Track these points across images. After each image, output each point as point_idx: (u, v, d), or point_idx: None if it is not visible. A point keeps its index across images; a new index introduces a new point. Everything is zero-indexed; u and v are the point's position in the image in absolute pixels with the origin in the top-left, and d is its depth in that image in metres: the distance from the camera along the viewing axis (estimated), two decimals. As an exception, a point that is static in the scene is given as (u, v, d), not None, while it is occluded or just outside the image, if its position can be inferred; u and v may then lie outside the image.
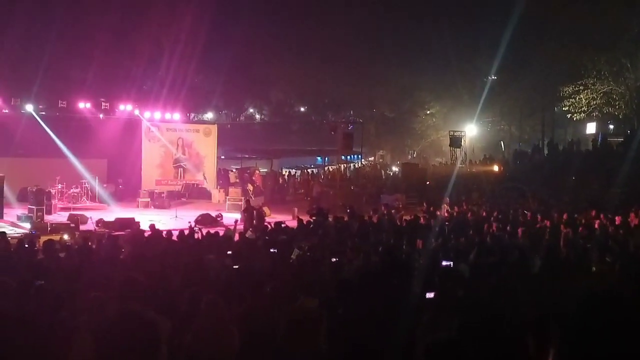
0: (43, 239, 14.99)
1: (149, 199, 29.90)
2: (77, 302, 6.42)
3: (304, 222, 18.41)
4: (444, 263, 9.40)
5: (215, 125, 37.01)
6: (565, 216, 17.95)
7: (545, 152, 40.22)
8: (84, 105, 30.93)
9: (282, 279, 8.13)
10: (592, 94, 34.80)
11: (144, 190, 31.07)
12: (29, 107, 29.66)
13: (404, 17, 47.33)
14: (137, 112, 32.85)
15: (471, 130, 40.25)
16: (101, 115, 32.06)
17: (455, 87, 45.76)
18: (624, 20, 31.19)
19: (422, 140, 52.02)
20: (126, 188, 32.20)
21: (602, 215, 17.53)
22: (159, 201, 29.78)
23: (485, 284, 7.52)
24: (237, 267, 9.88)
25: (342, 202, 28.29)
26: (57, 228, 20.78)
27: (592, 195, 23.89)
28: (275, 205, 29.78)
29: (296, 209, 26.72)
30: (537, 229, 16.16)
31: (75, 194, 28.47)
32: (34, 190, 25.07)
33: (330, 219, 19.92)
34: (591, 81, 34.50)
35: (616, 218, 16.99)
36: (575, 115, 36.71)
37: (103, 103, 31.70)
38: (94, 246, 13.91)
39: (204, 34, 40.93)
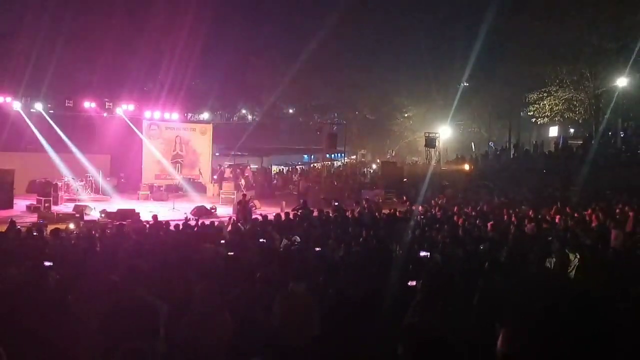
0: (50, 227, 14.89)
1: (148, 192, 29.84)
2: (83, 286, 6.39)
3: (291, 215, 18.41)
4: (422, 254, 9.42)
5: (211, 124, 36.91)
6: (529, 212, 18.07)
7: (512, 153, 40.46)
8: (89, 104, 30.85)
9: (271, 266, 8.13)
10: (555, 100, 35.02)
11: (144, 184, 30.96)
12: (38, 106, 29.55)
13: (386, 29, 47.55)
14: (138, 111, 32.80)
15: (445, 132, 40.35)
16: (105, 114, 31.96)
17: (431, 92, 45.90)
18: (585, 35, 31.41)
19: (400, 141, 52.09)
20: (128, 182, 32.17)
21: (563, 211, 17.68)
22: (157, 194, 29.73)
23: (459, 273, 7.54)
24: (231, 254, 9.88)
25: (326, 197, 28.30)
26: (63, 218, 20.68)
27: (554, 193, 24.04)
28: (265, 199, 29.73)
29: (284, 203, 26.72)
30: (504, 223, 16.25)
31: (80, 187, 28.32)
32: (41, 182, 24.94)
33: (314, 212, 19.94)
34: (554, 89, 34.71)
35: (575, 214, 17.13)
36: (539, 119, 36.94)
37: (107, 103, 31.65)
38: (97, 235, 13.85)
39: (201, 41, 40.85)
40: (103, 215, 21.68)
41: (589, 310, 1.45)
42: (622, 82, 30.96)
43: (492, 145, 46.64)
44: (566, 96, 34.65)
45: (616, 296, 5.66)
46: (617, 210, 16.93)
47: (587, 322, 1.43)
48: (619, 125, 33.87)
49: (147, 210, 22.06)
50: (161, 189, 30.59)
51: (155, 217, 17.20)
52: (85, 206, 23.58)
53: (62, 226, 16.38)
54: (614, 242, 11.83)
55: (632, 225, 13.65)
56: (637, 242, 10.76)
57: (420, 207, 21.90)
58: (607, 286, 6.32)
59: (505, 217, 17.58)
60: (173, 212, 24.07)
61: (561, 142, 38.03)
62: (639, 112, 35.11)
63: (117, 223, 16.16)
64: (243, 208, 21.42)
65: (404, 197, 26.74)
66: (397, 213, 19.86)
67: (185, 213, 22.29)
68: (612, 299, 5.07)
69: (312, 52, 41.70)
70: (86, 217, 21.30)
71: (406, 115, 50.56)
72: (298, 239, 12.60)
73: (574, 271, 8.86)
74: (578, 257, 9.31)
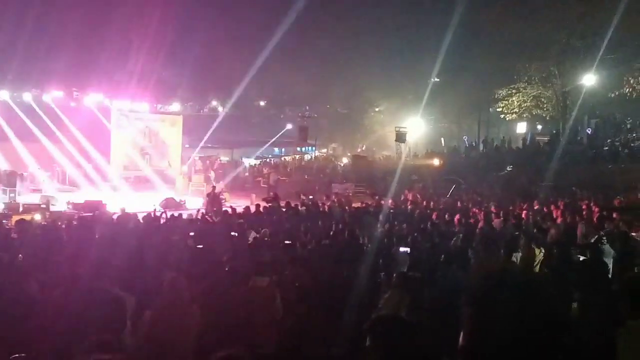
0: (15, 218, 14.64)
1: (116, 183, 29.52)
2: (48, 277, 6.30)
3: (261, 208, 18.37)
4: (401, 250, 9.49)
5: (181, 116, 36.64)
6: (497, 207, 18.27)
7: (481, 148, 40.89)
8: (56, 93, 30.35)
9: (240, 259, 8.11)
10: (523, 97, 35.52)
11: (112, 175, 30.62)
12: (4, 94, 28.99)
13: (357, 24, 47.58)
14: (107, 101, 32.39)
15: (415, 127, 40.60)
16: (72, 104, 31.48)
17: (401, 87, 46.18)
18: (553, 33, 31.85)
19: (370, 135, 52.33)
20: (95, 172, 31.71)
21: (530, 207, 17.92)
22: (126, 185, 29.43)
23: (429, 266, 7.62)
24: (200, 246, 9.83)
25: (297, 190, 28.29)
26: (29, 208, 20.34)
27: (521, 188, 24.35)
28: (235, 192, 29.61)
29: (254, 195, 26.64)
30: (472, 218, 16.41)
31: (47, 177, 27.90)
32: (7, 172, 24.50)
33: (284, 205, 19.91)
34: (522, 85, 35.20)
35: (542, 210, 17.38)
36: (507, 115, 37.43)
37: (74, 92, 31.19)
38: (63, 226, 13.65)
39: (171, 31, 40.40)
40: (70, 206, 21.39)
41: (548, 306, 1.47)
42: (588, 79, 31.47)
43: (466, 139, 47.03)
44: (534, 93, 35.18)
45: (575, 293, 5.78)
46: (584, 207, 17.21)
47: (544, 317, 1.46)
48: (586, 123, 34.43)
49: (114, 202, 21.82)
50: (129, 180, 30.27)
51: (123, 209, 17.00)
52: (52, 197, 23.22)
53: (27, 217, 16.12)
54: (579, 237, 12.03)
55: (598, 221, 13.88)
56: (602, 237, 10.95)
57: (390, 201, 22.01)
58: (568, 283, 6.44)
59: (473, 211, 17.74)
60: (141, 204, 23.83)
61: (529, 138, 38.55)
62: (605, 109, 35.76)
63: (84, 214, 15.96)
64: (212, 200, 21.32)
65: (374, 191, 26.86)
66: (367, 207, 19.94)
67: (154, 205, 22.09)
68: (570, 296, 5.18)
69: (284, 45, 41.57)
70: (52, 208, 20.98)
71: (377, 109, 50.81)
72: (267, 232, 12.58)
73: (538, 266, 9.00)
74: (543, 252, 9.47)
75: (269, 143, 47.49)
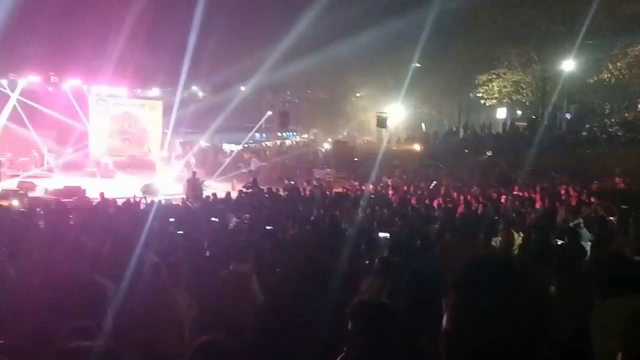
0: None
1: (95, 169, 29.26)
2: (26, 263, 6.25)
3: (242, 193, 18.34)
4: (381, 235, 9.52)
5: (160, 101, 36.32)
6: (477, 191, 18.41)
7: (461, 133, 41.07)
8: (33, 78, 29.94)
9: (221, 245, 8.10)
10: (503, 82, 35.70)
11: (91, 160, 30.35)
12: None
13: (338, 8, 47.31)
14: (85, 86, 32.04)
15: (396, 112, 40.65)
16: (50, 88, 31.08)
17: (382, 73, 46.10)
18: (533, 19, 32.00)
19: (351, 121, 52.29)
20: (74, 158, 31.40)
21: (509, 191, 18.07)
22: (105, 171, 29.18)
23: (409, 251, 7.65)
24: (181, 232, 9.81)
25: (278, 176, 28.25)
26: (6, 194, 20.09)
27: (501, 173, 24.52)
28: (217, 178, 29.51)
29: (235, 181, 26.57)
30: (452, 203, 16.53)
31: (25, 162, 27.57)
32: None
33: (265, 191, 19.89)
34: (503, 71, 35.35)
35: (521, 194, 17.54)
36: (487, 101, 37.62)
37: (52, 77, 30.79)
38: (42, 212, 13.52)
39: (150, 15, 39.92)
40: (48, 192, 21.18)
41: (531, 290, 1.49)
42: (568, 65, 31.70)
43: (447, 124, 47.15)
44: (514, 78, 35.37)
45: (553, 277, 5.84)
46: (562, 191, 17.40)
47: (528, 301, 1.47)
48: (565, 108, 34.72)
49: (94, 188, 21.64)
50: (109, 165, 30.01)
51: (102, 194, 16.85)
52: (30, 183, 22.96)
53: (5, 203, 15.94)
54: (558, 221, 12.17)
55: (575, 206, 14.05)
56: (580, 221, 11.09)
57: (370, 186, 22.07)
58: (547, 267, 6.50)
59: (453, 196, 17.87)
60: (121, 190, 23.65)
61: (509, 123, 38.79)
62: (584, 95, 36.06)
63: (63, 200, 15.81)
64: (193, 186, 21.25)
65: (355, 177, 26.92)
66: (348, 192, 19.99)
67: (134, 192, 21.95)
68: (548, 280, 5.24)
69: (264, 30, 41.41)
70: (30, 194, 20.74)
71: (358, 95, 50.77)
72: (248, 217, 12.57)
73: (517, 250, 9.10)
74: (522, 236, 9.57)
75: (250, 128, 47.29)
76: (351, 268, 6.56)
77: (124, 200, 15.93)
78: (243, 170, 33.58)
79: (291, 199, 17.82)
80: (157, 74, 43.08)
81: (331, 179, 28.36)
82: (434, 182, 22.52)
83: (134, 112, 33.92)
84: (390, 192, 20.61)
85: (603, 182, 19.13)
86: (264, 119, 39.53)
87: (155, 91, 37.09)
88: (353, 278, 6.00)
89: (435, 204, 16.05)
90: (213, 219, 12.38)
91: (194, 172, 23.61)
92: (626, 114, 30.53)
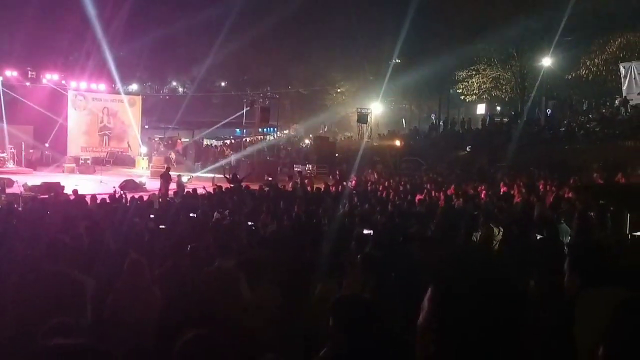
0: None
1: (74, 165, 29.00)
2: (4, 261, 6.17)
3: (222, 189, 18.26)
4: (365, 231, 9.52)
5: (140, 96, 36.07)
6: (457, 187, 18.49)
7: (441, 129, 41.26)
8: (10, 73, 29.57)
9: (202, 241, 8.05)
10: (483, 78, 35.93)
11: (70, 156, 30.07)
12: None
13: (317, 5, 47.29)
14: (63, 81, 31.72)
15: (376, 108, 40.73)
16: (28, 84, 30.72)
17: (363, 68, 46.14)
18: (512, 15, 32.19)
19: (332, 116, 52.31)
20: (52, 154, 31.10)
21: (488, 187, 18.19)
22: (84, 167, 28.95)
23: (390, 246, 7.66)
24: (162, 227, 9.75)
25: (259, 171, 28.18)
26: (-17, 191, 19.83)
27: (480, 168, 24.69)
28: (196, 173, 29.36)
29: (215, 177, 26.45)
30: (432, 198, 16.59)
31: (2, 158, 27.22)
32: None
33: (245, 187, 19.83)
34: (482, 67, 35.58)
35: (501, 189, 17.67)
36: (467, 97, 37.83)
37: (30, 72, 30.45)
38: (20, 208, 13.37)
39: (129, 10, 39.59)
40: (26, 188, 20.93)
41: (509, 285, 1.49)
42: (546, 61, 31.97)
43: (434, 117, 47.23)
44: (494, 75, 35.60)
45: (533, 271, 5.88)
46: (541, 187, 17.56)
47: (506, 296, 1.47)
48: (543, 104, 35.01)
49: (72, 184, 21.43)
50: (87, 161, 29.75)
51: (75, 191, 16.62)
52: (7, 179, 22.66)
53: (-18, 200, 15.74)
54: (536, 216, 12.28)
55: (554, 200, 14.18)
56: (560, 216, 11.19)
57: (351, 182, 22.10)
58: (526, 261, 6.55)
59: (434, 192, 17.94)
60: (100, 186, 23.45)
61: (488, 119, 39.05)
62: (562, 91, 36.39)
63: (41, 196, 15.63)
64: (166, 181, 21.29)
65: (336, 172, 26.93)
66: (329, 188, 19.99)
67: (114, 187, 21.75)
68: (528, 274, 5.27)
69: (244, 25, 41.18)
70: (8, 190, 20.49)
71: (339, 90, 50.75)
72: (229, 212, 12.53)
73: (497, 245, 9.17)
74: (502, 231, 9.64)
75: (231, 124, 47.11)
76: (332, 264, 6.56)
77: (103, 196, 15.79)
78: (224, 166, 33.48)
79: (272, 194, 17.78)
80: (136, 70, 42.81)
81: (312, 175, 28.37)
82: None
83: (113, 108, 33.63)
84: (371, 187, 20.65)
85: (581, 178, 19.32)
86: (237, 114, 39.30)
87: (134, 86, 36.83)
88: (334, 274, 5.99)
89: (416, 199, 16.12)
90: (191, 214, 12.32)
91: (167, 167, 23.52)
92: (603, 110, 30.86)
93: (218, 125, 43.22)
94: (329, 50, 47.58)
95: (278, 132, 52.24)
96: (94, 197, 15.23)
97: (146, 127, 37.42)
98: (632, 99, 29.24)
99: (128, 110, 34.08)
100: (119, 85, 34.84)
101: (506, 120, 36.25)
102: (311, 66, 49.21)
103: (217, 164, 31.84)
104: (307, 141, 48.17)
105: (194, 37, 47.31)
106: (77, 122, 32.44)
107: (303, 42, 48.24)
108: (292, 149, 42.96)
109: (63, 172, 27.92)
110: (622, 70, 30.72)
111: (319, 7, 47.55)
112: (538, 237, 9.05)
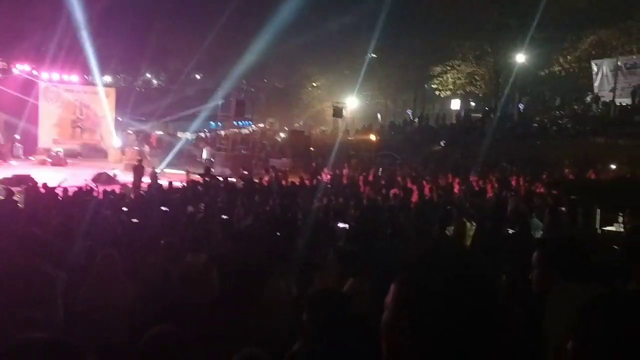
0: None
1: (45, 157, 28.60)
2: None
3: (196, 183, 18.17)
4: (340, 225, 9.54)
5: (113, 88, 35.66)
6: (431, 181, 18.59)
7: (416, 124, 41.45)
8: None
9: (175, 235, 8.00)
10: (458, 74, 36.18)
11: (41, 148, 29.65)
12: None
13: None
14: (35, 72, 31.24)
15: (352, 103, 40.78)
16: (-2, 74, 30.27)
17: (338, 63, 46.17)
18: (487, 11, 32.43)
19: (308, 110, 52.27)
20: (23, 145, 30.63)
21: (462, 181, 18.32)
22: (56, 159, 28.55)
23: (365, 240, 7.68)
24: (135, 221, 9.67)
25: (234, 165, 28.06)
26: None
27: (454, 163, 24.84)
28: (170, 166, 29.12)
29: (189, 170, 26.27)
30: (407, 192, 16.66)
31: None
32: None
33: (221, 180, 19.74)
34: (457, 63, 35.82)
35: (474, 184, 17.81)
36: (442, 92, 38.06)
37: (0, 62, 29.94)
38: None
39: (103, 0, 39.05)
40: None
41: (482, 279, 1.49)
42: (520, 58, 32.27)
43: (410, 113, 47.37)
44: (468, 70, 35.87)
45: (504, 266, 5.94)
46: (513, 182, 17.74)
47: (479, 291, 1.48)
48: (517, 100, 35.37)
49: (44, 176, 21.13)
50: (59, 153, 29.36)
51: (45, 185, 16.38)
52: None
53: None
54: (509, 211, 12.40)
55: (526, 195, 14.34)
56: (532, 211, 11.32)
57: (327, 176, 22.11)
58: (498, 256, 6.62)
59: (408, 186, 18.02)
60: (72, 179, 23.15)
61: (462, 114, 39.33)
62: (535, 87, 36.79)
63: (12, 188, 15.37)
64: (138, 174, 21.14)
65: (312, 166, 26.92)
66: (304, 182, 19.98)
67: (85, 179, 21.49)
68: (500, 269, 5.32)
69: (219, 18, 40.92)
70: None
71: (314, 84, 50.74)
72: (203, 206, 12.47)
73: (470, 239, 9.24)
74: (474, 225, 9.72)
75: (205, 117, 46.82)
76: (307, 258, 6.57)
77: (76, 189, 15.60)
78: (198, 160, 33.27)
79: (247, 188, 17.72)
80: (109, 61, 42.27)
81: (287, 169, 28.31)
82: None
83: (86, 100, 33.21)
84: (346, 181, 20.69)
85: (553, 173, 19.56)
86: (211, 105, 39.10)
87: (107, 78, 36.41)
88: (307, 269, 6.00)
89: (391, 193, 16.18)
90: (163, 208, 12.23)
91: (139, 160, 23.33)
92: (575, 107, 31.29)
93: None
94: (304, 44, 47.48)
95: (253, 126, 52.07)
96: (65, 190, 15.06)
97: (119, 119, 36.97)
98: (603, 96, 29.70)
99: (101, 103, 33.68)
100: (93, 77, 34.42)
101: (480, 115, 36.56)
102: (287, 60, 49.07)
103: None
104: (282, 135, 48.08)
105: (168, 29, 46.83)
106: (48, 113, 31.99)
107: (278, 35, 48.05)
108: (268, 142, 42.79)
109: (35, 164, 27.56)
110: (594, 68, 31.17)
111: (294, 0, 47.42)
112: (510, 232, 9.14)
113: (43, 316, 3.86)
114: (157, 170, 23.59)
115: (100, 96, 33.69)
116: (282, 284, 5.53)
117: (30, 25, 36.95)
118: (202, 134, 46.25)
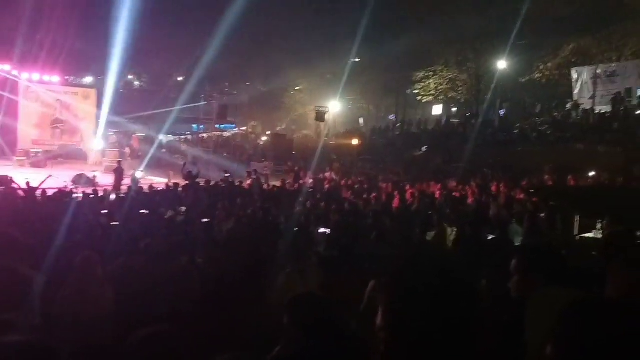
0: None
1: (25, 158, 28.34)
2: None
3: (178, 185, 18.08)
4: (322, 230, 9.54)
5: (94, 89, 35.38)
6: (412, 186, 18.66)
7: (398, 129, 41.57)
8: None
9: (156, 238, 7.94)
10: (440, 80, 36.40)
11: (20, 149, 29.35)
12: None
13: (276, 3, 47.19)
14: (15, 72, 30.92)
15: (335, 107, 40.83)
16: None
17: (321, 67, 46.23)
18: (469, 19, 32.64)
19: (290, 114, 52.28)
20: (2, 146, 30.30)
21: (443, 187, 18.42)
22: (35, 160, 28.28)
23: (346, 245, 7.68)
24: (115, 223, 9.60)
25: (215, 168, 27.98)
26: None
27: (436, 168, 24.96)
28: (152, 169, 28.96)
29: (171, 173, 26.16)
30: (388, 197, 16.71)
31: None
32: None
33: (202, 183, 19.66)
34: (439, 68, 36.04)
35: (455, 189, 17.91)
36: (424, 97, 38.24)
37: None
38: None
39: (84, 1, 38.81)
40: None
41: (462, 283, 1.50)
42: (502, 64, 32.54)
43: (393, 118, 47.53)
44: (450, 76, 36.12)
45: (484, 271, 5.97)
46: (494, 188, 17.86)
47: (460, 295, 1.48)
48: (498, 106, 35.64)
49: (23, 177, 20.91)
50: (39, 154, 29.10)
51: (28, 183, 16.26)
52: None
53: None
54: (492, 216, 12.48)
55: (506, 201, 14.44)
56: (512, 216, 11.41)
57: (309, 180, 22.11)
58: (478, 261, 6.65)
59: (390, 190, 18.08)
60: (52, 180, 22.91)
61: (444, 120, 39.53)
62: (516, 94, 37.09)
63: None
64: (119, 176, 21.04)
65: (294, 170, 26.92)
66: (286, 186, 19.97)
67: (65, 181, 21.30)
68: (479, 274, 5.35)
69: (202, 20, 40.86)
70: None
71: (297, 88, 50.78)
72: (184, 209, 12.41)
73: (450, 244, 9.28)
74: (455, 230, 9.77)
75: (187, 119, 46.65)
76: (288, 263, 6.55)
77: (55, 190, 15.46)
78: (180, 162, 33.10)
79: (229, 191, 17.66)
80: (91, 62, 41.97)
81: (269, 172, 28.28)
82: None
83: (67, 100, 32.92)
84: (328, 185, 20.71)
85: (533, 179, 19.71)
86: (192, 105, 38.96)
87: (88, 79, 36.13)
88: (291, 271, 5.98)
89: (372, 197, 16.21)
90: (143, 211, 12.15)
91: (120, 161, 23.18)
92: (555, 113, 31.57)
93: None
94: (288, 47, 47.50)
95: (236, 129, 51.97)
96: (44, 191, 14.91)
97: (100, 121, 36.73)
98: (583, 103, 29.99)
99: (82, 104, 33.41)
100: (75, 77, 34.18)
101: (461, 121, 36.77)
102: (270, 63, 49.08)
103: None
104: (264, 138, 48.03)
105: (151, 31, 46.60)
106: (28, 114, 31.70)
107: (261, 39, 48.03)
108: (249, 146, 42.75)
109: (13, 165, 27.27)
110: (574, 75, 31.49)
111: (277, 3, 47.45)
112: (490, 237, 9.19)
113: (19, 318, 3.81)
114: (138, 174, 23.44)
115: (80, 97, 33.42)
116: (265, 287, 5.52)
117: (11, 25, 36.59)
118: (184, 137, 46.09)
